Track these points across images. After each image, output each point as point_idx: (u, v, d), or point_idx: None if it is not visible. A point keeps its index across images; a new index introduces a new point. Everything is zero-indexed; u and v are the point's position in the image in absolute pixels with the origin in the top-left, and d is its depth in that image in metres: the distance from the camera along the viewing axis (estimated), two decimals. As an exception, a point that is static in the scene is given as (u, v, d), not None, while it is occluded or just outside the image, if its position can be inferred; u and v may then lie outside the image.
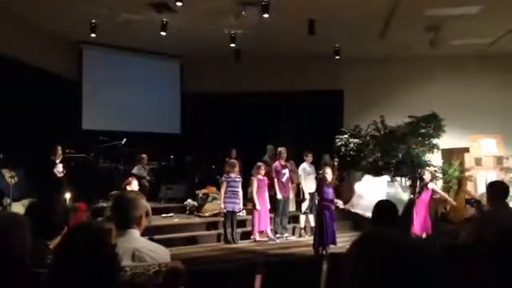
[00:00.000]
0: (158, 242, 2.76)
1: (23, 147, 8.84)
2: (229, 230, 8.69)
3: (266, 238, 8.98)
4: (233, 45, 10.87)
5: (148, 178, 10.16)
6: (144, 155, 10.32)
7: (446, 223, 10.36)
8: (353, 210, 8.86)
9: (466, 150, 11.37)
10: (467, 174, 11.08)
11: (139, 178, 8.99)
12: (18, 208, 7.20)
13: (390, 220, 3.43)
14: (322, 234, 7.39)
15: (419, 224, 7.97)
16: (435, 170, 11.12)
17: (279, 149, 9.55)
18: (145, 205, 2.70)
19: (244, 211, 9.56)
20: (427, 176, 8.40)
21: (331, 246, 7.41)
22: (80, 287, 1.57)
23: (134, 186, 6.93)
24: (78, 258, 1.60)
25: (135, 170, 9.99)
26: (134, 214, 2.59)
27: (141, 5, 9.10)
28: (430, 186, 8.30)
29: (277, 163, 9.40)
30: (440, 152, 11.53)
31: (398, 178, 11.35)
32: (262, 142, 10.95)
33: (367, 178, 9.73)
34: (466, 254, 3.26)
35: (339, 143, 11.70)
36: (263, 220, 8.95)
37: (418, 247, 1.03)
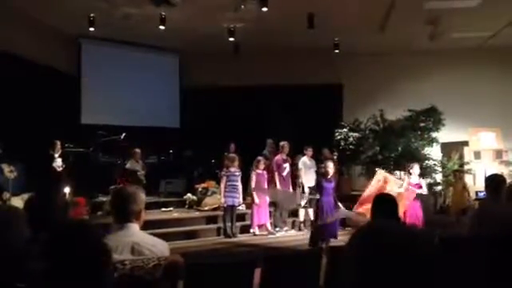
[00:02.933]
0: (158, 236, 2.77)
1: (22, 142, 8.85)
2: (228, 224, 8.71)
3: (266, 232, 9.00)
4: (232, 38, 10.84)
5: (142, 172, 10.16)
6: (137, 150, 10.26)
7: (445, 216, 10.39)
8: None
9: (466, 143, 11.38)
10: (466, 167, 11.09)
11: (132, 173, 9.00)
12: (18, 202, 7.20)
13: (390, 213, 3.43)
14: (322, 229, 7.37)
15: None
16: (434, 164, 11.14)
17: (281, 143, 9.54)
18: (144, 199, 2.70)
19: (243, 205, 9.58)
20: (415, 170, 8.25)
21: (332, 239, 7.39)
22: (70, 285, 1.58)
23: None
24: (65, 256, 1.60)
25: (128, 165, 10.00)
26: (134, 208, 2.59)
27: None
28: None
29: (278, 157, 9.40)
30: (439, 146, 11.54)
31: (397, 172, 11.37)
32: (262, 136, 10.95)
33: None
34: (464, 246, 3.27)
35: (338, 137, 11.71)
36: (263, 214, 8.97)
37: (417, 238, 1.03)
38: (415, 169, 8.18)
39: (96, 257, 1.62)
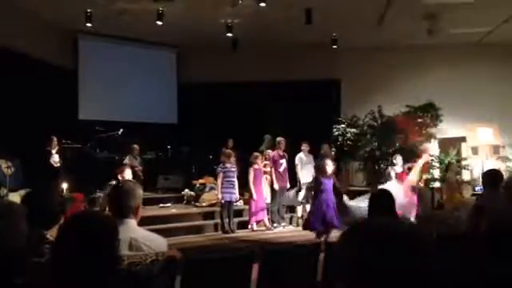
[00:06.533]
0: (156, 231, 2.77)
1: (19, 137, 8.82)
2: (226, 220, 8.71)
3: (264, 228, 9.01)
4: (229, 34, 10.82)
5: (140, 167, 10.17)
6: (135, 145, 10.29)
7: (442, 211, 10.40)
8: None
9: (463, 139, 11.39)
10: (464, 163, 11.11)
11: (131, 168, 8.97)
12: (15, 198, 7.19)
13: (387, 208, 3.43)
14: (323, 219, 7.27)
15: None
16: (432, 160, 11.15)
17: (278, 139, 9.54)
18: (142, 194, 2.70)
19: (241, 201, 9.58)
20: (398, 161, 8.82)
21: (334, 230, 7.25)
22: (79, 276, 1.57)
23: (126, 174, 6.89)
24: (79, 246, 1.60)
25: (126, 160, 10.01)
26: (131, 204, 2.59)
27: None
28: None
29: (275, 153, 9.40)
30: (437, 141, 11.55)
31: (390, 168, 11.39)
32: (259, 132, 10.93)
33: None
34: (462, 242, 3.28)
35: (336, 133, 11.70)
36: (260, 210, 8.97)
37: (413, 234, 1.02)
38: (398, 160, 8.85)
39: (106, 248, 1.62)
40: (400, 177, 8.70)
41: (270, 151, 9.54)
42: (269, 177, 9.29)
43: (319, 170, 7.74)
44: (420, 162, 8.85)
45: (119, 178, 6.78)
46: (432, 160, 10.86)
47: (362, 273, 0.98)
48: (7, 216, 1.97)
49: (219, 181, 8.78)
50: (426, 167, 9.46)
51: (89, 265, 1.57)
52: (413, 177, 8.61)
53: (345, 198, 8.25)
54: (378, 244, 0.99)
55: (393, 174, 8.81)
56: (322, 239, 6.99)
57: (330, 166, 7.64)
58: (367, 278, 0.97)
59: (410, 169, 8.87)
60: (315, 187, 7.73)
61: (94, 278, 1.57)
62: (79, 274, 1.56)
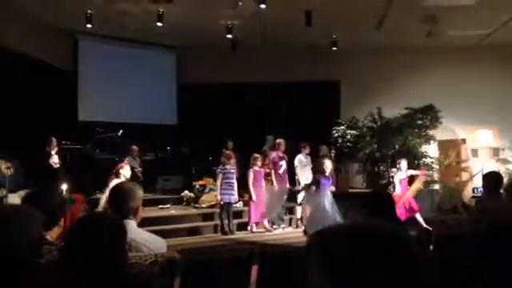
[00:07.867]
0: (155, 232, 2.77)
1: (19, 138, 8.82)
2: (225, 222, 8.69)
3: (263, 229, 9.00)
4: (229, 35, 10.83)
5: (139, 168, 10.18)
6: (134, 147, 10.30)
7: (441, 214, 10.42)
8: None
9: (463, 141, 11.40)
10: (463, 165, 11.13)
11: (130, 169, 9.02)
12: (15, 199, 7.18)
13: (386, 212, 3.42)
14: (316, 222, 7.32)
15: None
16: (431, 162, 11.16)
17: (278, 140, 9.53)
18: (141, 195, 2.70)
19: (241, 202, 9.57)
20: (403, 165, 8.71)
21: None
22: (85, 279, 1.57)
23: (126, 170, 6.87)
24: (85, 248, 1.60)
25: (126, 162, 10.01)
26: (131, 205, 2.59)
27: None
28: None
29: (274, 154, 9.39)
30: (436, 143, 11.56)
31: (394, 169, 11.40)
32: (259, 133, 10.93)
33: None
34: (461, 244, 3.27)
35: (336, 134, 11.70)
36: (260, 211, 8.97)
37: (396, 236, 1.00)
38: (402, 164, 8.71)
39: (114, 252, 1.62)
40: (403, 183, 8.61)
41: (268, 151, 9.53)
42: (270, 178, 9.29)
43: (318, 170, 7.79)
44: (418, 183, 8.66)
45: (120, 171, 6.77)
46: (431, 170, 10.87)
47: (343, 273, 0.96)
48: (24, 220, 1.96)
49: (218, 182, 8.77)
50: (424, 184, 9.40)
51: (91, 265, 1.57)
52: (410, 194, 8.47)
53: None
54: (357, 244, 0.97)
55: (397, 181, 8.70)
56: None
57: (327, 166, 7.67)
58: (348, 278, 0.95)
59: (412, 177, 8.77)
60: (315, 185, 7.75)
61: (95, 279, 1.56)
62: (80, 274, 1.56)
